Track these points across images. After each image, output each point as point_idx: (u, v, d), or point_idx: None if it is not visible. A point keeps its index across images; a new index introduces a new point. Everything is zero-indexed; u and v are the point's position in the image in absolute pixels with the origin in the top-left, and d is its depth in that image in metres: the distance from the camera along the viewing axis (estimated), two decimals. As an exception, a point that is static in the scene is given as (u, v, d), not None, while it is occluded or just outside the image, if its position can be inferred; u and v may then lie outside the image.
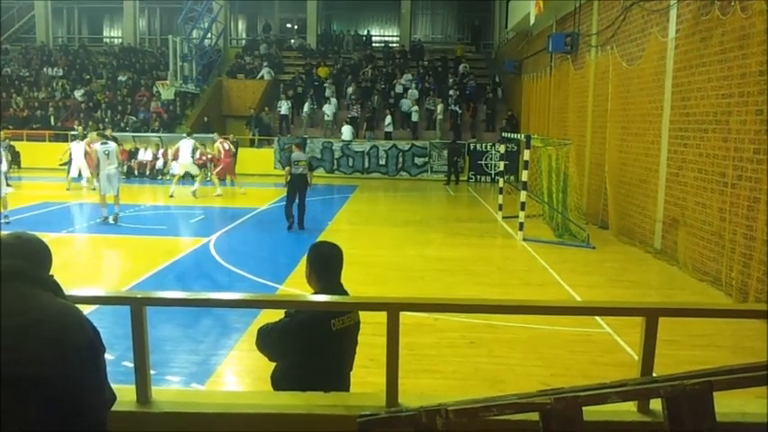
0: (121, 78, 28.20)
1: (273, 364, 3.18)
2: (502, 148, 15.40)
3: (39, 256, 1.98)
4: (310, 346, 3.02)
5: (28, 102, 27.25)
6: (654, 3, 10.83)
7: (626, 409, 2.48)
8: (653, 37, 10.70)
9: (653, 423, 2.43)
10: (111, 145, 12.17)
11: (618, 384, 2.10)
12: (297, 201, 12.12)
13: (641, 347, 2.56)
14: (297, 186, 12.06)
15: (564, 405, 1.93)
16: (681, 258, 9.35)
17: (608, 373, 5.31)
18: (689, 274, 8.96)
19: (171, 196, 15.84)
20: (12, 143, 23.04)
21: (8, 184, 14.86)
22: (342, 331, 3.08)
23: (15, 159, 23.06)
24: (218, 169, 17.54)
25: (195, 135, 22.79)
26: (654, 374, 2.48)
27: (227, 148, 17.64)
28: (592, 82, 14.04)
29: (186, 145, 16.35)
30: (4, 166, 12.79)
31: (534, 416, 1.92)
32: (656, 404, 2.47)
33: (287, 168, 12.19)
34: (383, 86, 26.46)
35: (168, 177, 22.07)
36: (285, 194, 12.35)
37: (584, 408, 1.95)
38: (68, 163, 19.17)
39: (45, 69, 29.46)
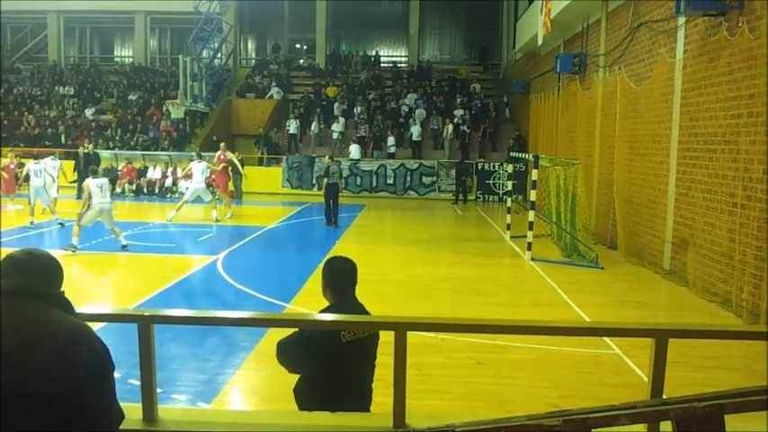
0: (132, 97, 28.46)
1: (281, 380, 3.20)
2: (510, 168, 15.40)
3: (50, 273, 1.99)
4: (322, 357, 3.05)
5: (39, 120, 27.50)
6: (662, 23, 10.87)
7: (636, 432, 2.46)
8: (661, 57, 10.73)
9: (663, 446, 2.40)
10: (104, 180, 12.22)
11: (628, 406, 2.08)
12: (331, 203, 15.42)
13: (650, 369, 2.54)
14: (332, 192, 15.44)
15: (573, 427, 1.91)
16: (690, 279, 9.29)
17: (617, 395, 5.25)
18: (698, 295, 8.89)
19: (169, 220, 15.54)
20: (22, 161, 23.25)
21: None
22: (354, 343, 3.09)
23: (27, 177, 23.22)
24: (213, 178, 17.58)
25: (204, 154, 22.97)
26: (664, 396, 2.46)
27: (226, 158, 17.68)
28: (600, 102, 14.07)
29: (198, 168, 16.19)
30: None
31: (543, 438, 1.90)
32: (666, 426, 2.44)
33: (325, 180, 15.77)
34: (393, 106, 26.58)
35: (177, 196, 22.19)
36: (323, 201, 15.82)
37: (593, 430, 1.93)
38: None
39: (57, 88, 29.77)
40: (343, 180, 16.05)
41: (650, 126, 11.17)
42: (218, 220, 15.81)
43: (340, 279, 3.28)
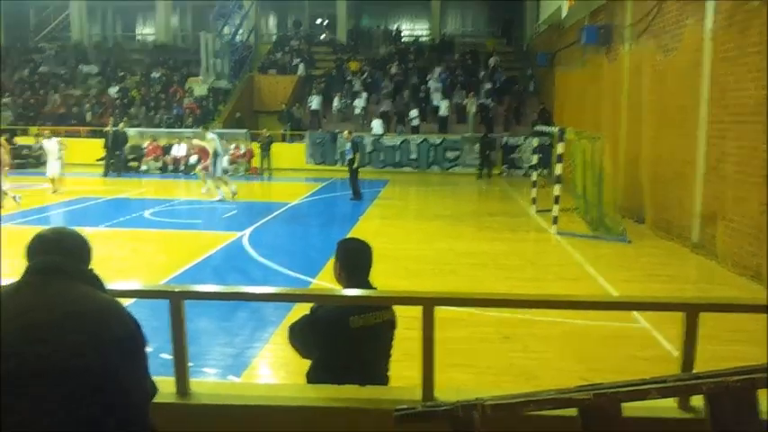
0: (155, 75, 28.59)
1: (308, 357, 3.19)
2: (535, 142, 15.24)
3: (79, 250, 2.02)
4: (329, 343, 2.99)
5: (64, 99, 27.79)
6: (690, -8, 10.60)
7: (666, 406, 2.45)
8: (689, 28, 10.48)
9: (694, 420, 2.39)
10: None
11: (658, 380, 2.07)
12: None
13: (682, 343, 2.52)
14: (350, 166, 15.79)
15: (603, 401, 1.90)
16: (720, 253, 9.17)
17: (645, 369, 5.20)
18: (728, 269, 8.78)
19: (233, 195, 15.46)
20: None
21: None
22: (364, 329, 3.00)
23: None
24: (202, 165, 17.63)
25: (226, 131, 23.11)
26: (695, 371, 2.44)
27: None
28: (626, 74, 13.82)
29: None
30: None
31: (572, 411, 1.90)
32: (697, 401, 2.43)
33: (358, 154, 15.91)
34: (415, 81, 26.37)
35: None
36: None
37: (623, 404, 1.93)
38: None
39: (80, 67, 30.00)
40: (358, 155, 15.90)
41: (678, 98, 10.95)
42: (234, 194, 15.71)
43: (355, 261, 3.16)
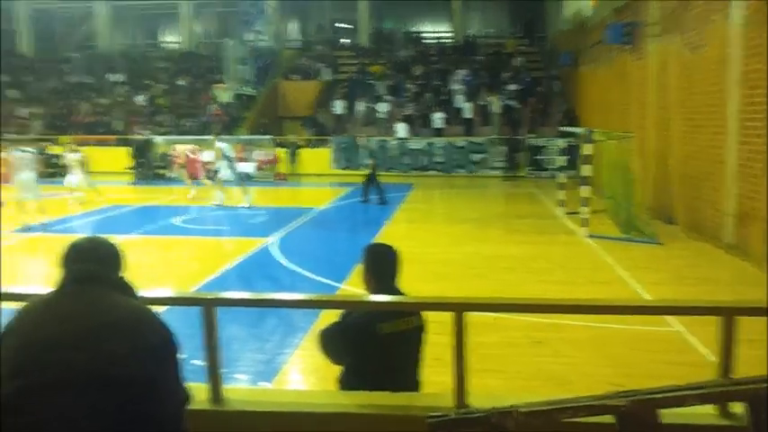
0: (180, 83, 28.92)
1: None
2: (561, 143, 15.11)
3: (111, 258, 2.05)
4: (359, 350, 2.99)
5: (93, 108, 28.24)
6: (719, -12, 10.44)
7: (705, 412, 2.40)
8: (717, 24, 10.32)
9: (735, 428, 2.34)
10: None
11: (696, 386, 2.03)
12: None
13: (719, 348, 2.47)
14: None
15: (640, 407, 1.88)
16: (754, 253, 8.99)
17: (679, 374, 5.15)
18: (763, 270, 8.59)
19: (248, 205, 15.26)
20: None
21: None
22: (394, 335, 2.99)
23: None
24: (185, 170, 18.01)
25: (251, 137, 23.31)
26: (732, 376, 2.39)
27: (191, 155, 18.42)
28: (653, 72, 13.64)
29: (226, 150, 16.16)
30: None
31: (608, 418, 1.87)
32: (737, 407, 2.38)
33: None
34: (438, 83, 26.33)
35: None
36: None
37: (660, 410, 1.89)
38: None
39: (107, 76, 30.47)
40: (374, 158, 16.88)
41: (707, 96, 10.78)
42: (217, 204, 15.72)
43: (383, 266, 3.15)
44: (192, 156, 18.41)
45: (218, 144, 16.08)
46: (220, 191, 15.61)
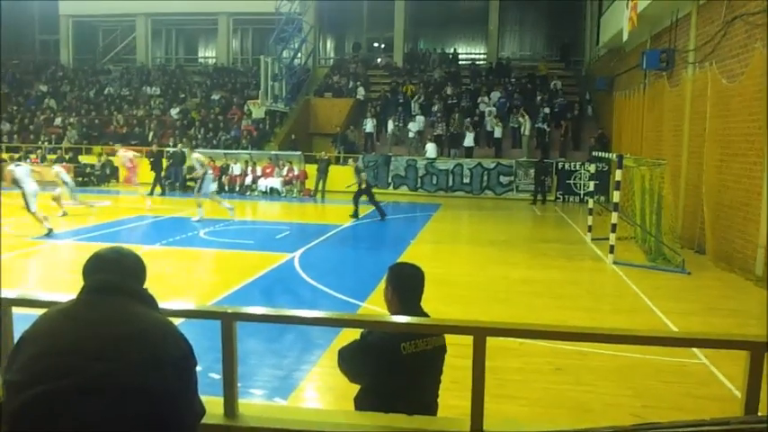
0: (215, 97, 29.35)
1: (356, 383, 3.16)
2: (592, 168, 15.00)
3: (135, 270, 2.06)
4: (380, 369, 2.95)
5: (128, 119, 28.77)
6: (759, 16, 10.30)
7: (729, 450, 2.31)
8: (757, 52, 10.17)
9: (758, 466, 2.26)
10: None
11: (720, 421, 1.96)
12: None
13: (745, 383, 2.39)
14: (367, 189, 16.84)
15: (662, 442, 1.81)
16: (786, 287, 8.78)
17: (704, 407, 5.02)
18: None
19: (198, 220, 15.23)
20: (111, 158, 24.38)
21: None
22: (416, 356, 2.95)
23: (114, 174, 24.42)
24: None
25: (280, 153, 23.54)
26: (759, 414, 2.31)
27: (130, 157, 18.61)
28: (688, 100, 13.48)
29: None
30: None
31: (629, 451, 1.81)
32: (762, 446, 2.29)
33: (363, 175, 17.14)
34: (468, 104, 26.34)
35: (257, 193, 22.76)
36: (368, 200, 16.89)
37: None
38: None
39: (144, 88, 31.07)
40: (359, 176, 17.24)
41: (743, 125, 10.61)
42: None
43: (408, 287, 3.11)
44: (130, 164, 18.57)
45: (195, 155, 16.49)
46: (202, 204, 15.60)
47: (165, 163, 22.64)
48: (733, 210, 10.90)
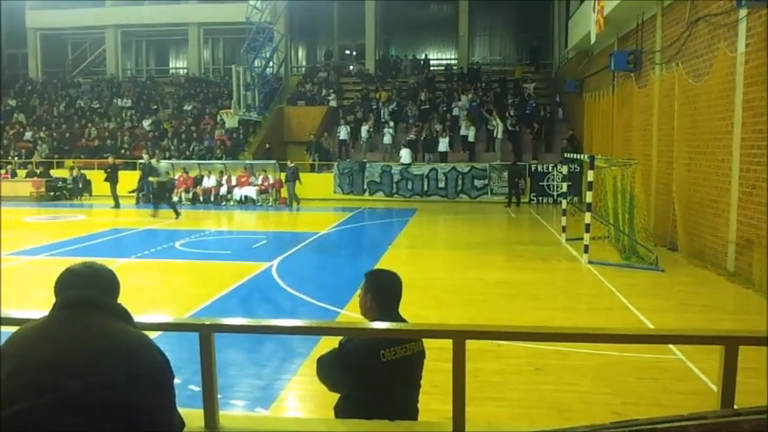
0: (187, 108, 29.14)
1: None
2: (564, 169, 15.13)
3: (109, 285, 2.04)
4: (360, 377, 2.94)
5: (99, 132, 28.43)
6: (721, 17, 10.52)
7: (706, 443, 2.35)
8: (721, 52, 10.38)
9: (736, 459, 2.29)
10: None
11: (697, 416, 1.99)
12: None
13: (720, 377, 2.43)
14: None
15: (640, 438, 1.84)
16: (756, 281, 8.94)
17: (681, 403, 5.09)
18: (765, 298, 8.54)
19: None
20: (83, 172, 24.11)
21: None
22: (395, 362, 2.95)
23: (86, 187, 24.12)
24: None
25: (255, 162, 23.44)
26: (735, 406, 2.35)
27: None
28: (656, 100, 13.71)
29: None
30: None
31: (609, 448, 1.83)
32: (739, 438, 2.33)
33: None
34: (443, 109, 26.48)
35: (232, 203, 22.62)
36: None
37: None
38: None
39: (115, 100, 30.74)
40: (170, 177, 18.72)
41: (710, 123, 10.82)
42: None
43: (386, 295, 3.11)
44: None
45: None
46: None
47: (137, 176, 22.42)
48: (703, 207, 11.09)
